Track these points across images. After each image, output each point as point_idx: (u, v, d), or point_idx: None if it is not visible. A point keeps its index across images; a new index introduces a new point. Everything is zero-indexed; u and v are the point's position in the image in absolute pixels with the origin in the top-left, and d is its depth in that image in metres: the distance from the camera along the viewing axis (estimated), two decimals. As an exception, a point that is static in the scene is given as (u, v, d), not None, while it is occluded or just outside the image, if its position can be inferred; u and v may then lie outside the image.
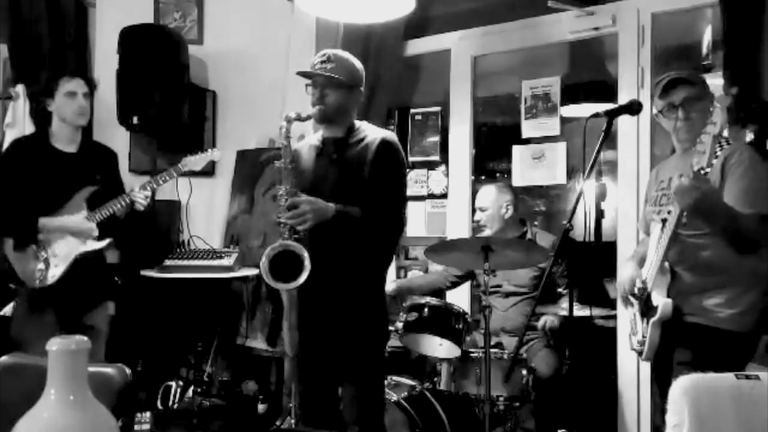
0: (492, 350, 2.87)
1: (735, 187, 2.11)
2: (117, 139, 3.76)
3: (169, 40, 3.84)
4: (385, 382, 2.93)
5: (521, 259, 2.91)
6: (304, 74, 2.44)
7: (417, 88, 4.34)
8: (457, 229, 3.89)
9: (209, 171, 3.99)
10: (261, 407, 3.79)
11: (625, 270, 2.41)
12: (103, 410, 1.06)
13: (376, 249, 2.43)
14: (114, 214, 2.96)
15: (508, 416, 2.95)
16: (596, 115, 2.22)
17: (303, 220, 2.25)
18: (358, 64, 2.50)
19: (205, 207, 4.22)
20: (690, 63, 3.52)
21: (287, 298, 2.32)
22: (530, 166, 3.77)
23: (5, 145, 3.90)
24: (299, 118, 2.38)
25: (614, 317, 3.28)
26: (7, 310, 3.45)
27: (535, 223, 4.22)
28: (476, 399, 2.98)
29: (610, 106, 2.34)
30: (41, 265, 2.92)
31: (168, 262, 3.67)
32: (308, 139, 2.61)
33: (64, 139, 3.04)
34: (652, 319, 2.16)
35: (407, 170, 2.54)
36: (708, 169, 1.98)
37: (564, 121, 3.66)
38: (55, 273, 2.92)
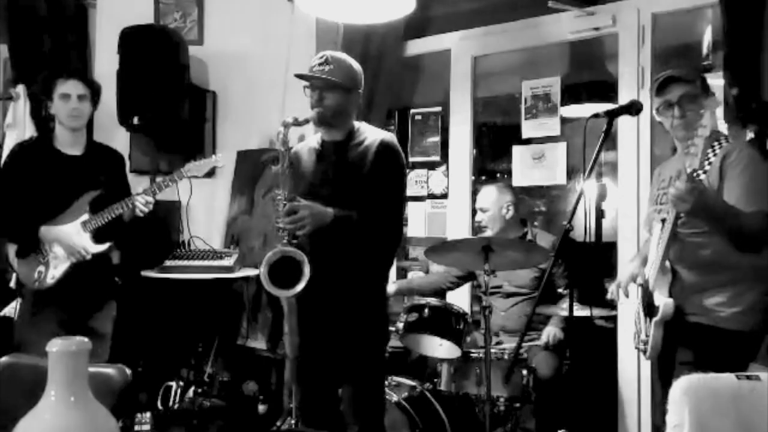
0: (492, 350, 2.87)
1: (735, 185, 2.11)
2: (117, 139, 3.76)
3: (169, 41, 3.84)
4: (386, 383, 2.93)
5: (521, 260, 2.91)
6: (302, 77, 2.44)
7: (417, 88, 4.34)
8: (458, 229, 3.89)
9: (210, 172, 3.98)
10: (261, 408, 3.79)
11: (627, 269, 2.41)
12: (103, 411, 1.06)
13: (376, 252, 2.43)
14: (117, 218, 2.95)
15: (508, 417, 2.95)
16: (596, 116, 2.23)
17: (301, 225, 2.25)
18: (357, 66, 2.50)
19: (206, 207, 4.22)
20: (690, 63, 3.52)
21: (287, 303, 2.31)
22: (530, 167, 3.77)
23: (5, 145, 3.92)
24: (297, 123, 2.37)
25: (614, 317, 3.28)
26: (8, 310, 3.46)
27: (535, 223, 4.22)
28: (477, 399, 2.98)
29: (610, 106, 2.34)
30: (41, 267, 2.92)
31: (168, 263, 3.67)
32: (308, 141, 2.61)
33: (67, 142, 3.03)
34: (654, 319, 2.16)
35: (407, 171, 2.54)
36: (700, 172, 1.99)
37: (564, 121, 3.66)
38: (54, 274, 2.92)
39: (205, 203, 4.20)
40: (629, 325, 2.49)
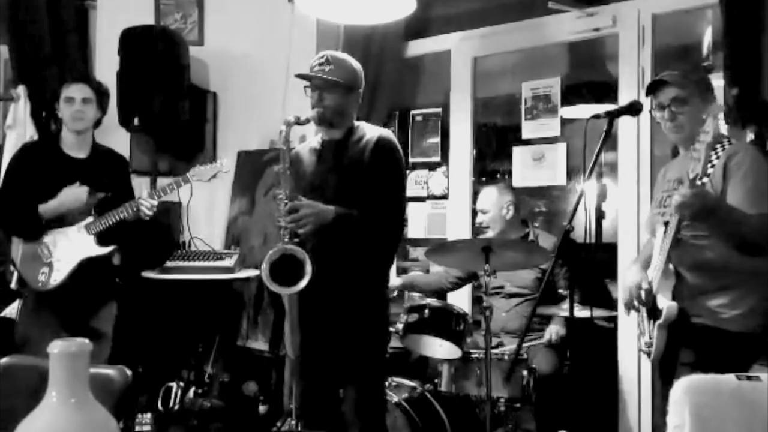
0: (493, 351, 2.87)
1: (739, 187, 2.11)
2: (117, 139, 3.75)
3: (169, 41, 3.84)
4: (386, 384, 2.93)
5: (522, 261, 2.91)
6: (302, 77, 2.45)
7: (417, 89, 4.35)
8: (458, 230, 3.89)
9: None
10: (262, 408, 3.79)
11: (629, 274, 2.40)
12: (104, 412, 1.06)
13: (378, 250, 2.44)
14: (121, 221, 2.95)
15: (508, 417, 2.95)
16: (597, 116, 2.23)
17: (303, 223, 2.25)
18: (357, 66, 2.50)
19: (206, 208, 4.22)
20: (687, 66, 3.51)
21: (288, 301, 2.32)
22: (530, 167, 3.77)
23: (6, 146, 3.92)
24: (298, 122, 2.38)
25: (615, 318, 3.28)
26: (8, 311, 3.46)
27: (536, 224, 4.22)
28: (477, 400, 2.98)
29: (610, 107, 2.35)
30: (45, 269, 2.92)
31: (169, 264, 3.67)
32: (309, 141, 2.62)
33: (72, 145, 3.05)
34: (658, 322, 2.15)
35: (406, 168, 2.54)
36: (705, 177, 1.99)
37: (564, 122, 3.66)
38: (57, 277, 2.93)
39: (205, 204, 4.20)
40: (630, 325, 2.50)
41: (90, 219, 2.97)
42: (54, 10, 4.12)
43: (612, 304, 3.30)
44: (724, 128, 2.74)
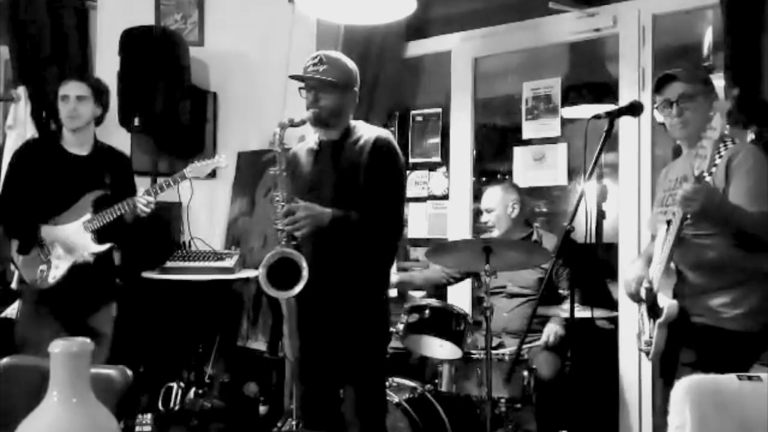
0: (493, 351, 2.87)
1: (741, 186, 2.11)
2: (118, 140, 3.75)
3: (170, 42, 3.84)
4: (387, 384, 2.93)
5: (522, 261, 2.90)
6: (297, 78, 2.43)
7: (418, 89, 4.35)
8: (458, 230, 3.89)
9: (210, 173, 3.98)
10: (262, 409, 3.79)
11: (632, 269, 2.41)
12: (104, 412, 1.06)
13: (376, 251, 2.43)
14: (119, 218, 2.95)
15: (509, 418, 2.95)
16: (597, 117, 2.23)
17: (299, 226, 2.25)
18: (352, 65, 2.49)
19: (206, 208, 4.22)
20: (693, 64, 3.52)
21: (286, 305, 2.31)
22: (531, 168, 3.77)
23: (6, 147, 3.92)
24: (293, 124, 2.36)
25: (616, 319, 3.28)
26: (9, 311, 3.46)
27: (536, 224, 4.22)
28: (478, 400, 2.98)
29: (611, 107, 2.34)
30: (43, 266, 2.93)
31: (169, 264, 3.67)
32: (307, 141, 2.60)
33: (73, 142, 3.05)
34: (658, 321, 2.15)
35: (404, 167, 2.52)
36: (708, 174, 1.98)
37: (565, 122, 3.66)
38: (55, 274, 2.93)
39: (205, 204, 4.20)
40: (631, 326, 2.49)
41: (88, 216, 2.96)
42: (54, 11, 4.12)
43: (613, 305, 3.31)
44: (725, 128, 2.74)
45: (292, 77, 2.45)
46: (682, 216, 2.08)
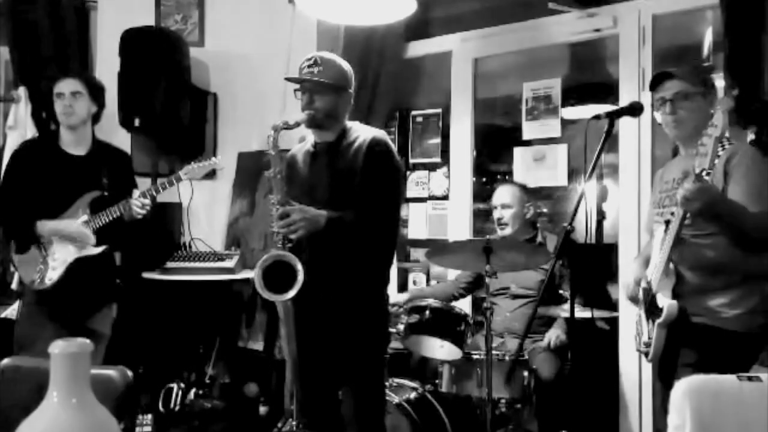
0: (493, 352, 2.87)
1: (739, 186, 2.11)
2: (118, 140, 3.75)
3: (170, 43, 3.85)
4: (387, 384, 2.93)
5: (523, 261, 2.90)
6: (292, 80, 2.42)
7: (418, 90, 4.35)
8: (459, 230, 3.89)
9: (210, 174, 3.98)
10: (262, 409, 3.79)
11: (630, 270, 2.41)
12: (105, 412, 1.06)
13: (373, 252, 2.42)
14: (117, 219, 2.94)
15: (509, 418, 2.95)
16: (597, 117, 2.23)
17: (294, 228, 2.24)
18: (347, 66, 2.48)
19: (207, 209, 4.22)
20: (691, 64, 3.51)
21: (283, 309, 2.30)
22: (531, 168, 3.77)
23: (7, 147, 3.92)
24: (287, 126, 2.35)
25: (616, 319, 3.27)
26: (9, 312, 3.46)
27: (538, 225, 4.22)
28: (478, 401, 2.98)
29: (611, 107, 2.34)
30: (41, 267, 2.92)
31: (169, 264, 3.68)
32: (305, 142, 2.59)
33: (70, 141, 3.04)
34: (658, 321, 2.15)
35: (401, 168, 2.51)
36: (710, 171, 1.98)
37: (565, 122, 3.66)
38: (52, 276, 2.92)
39: (206, 205, 4.20)
40: (631, 327, 2.49)
41: (85, 217, 2.95)
42: (55, 12, 4.12)
43: (612, 306, 3.31)
44: (727, 126, 2.74)
45: (288, 79, 2.44)
46: (681, 216, 2.08)
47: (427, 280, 4.19)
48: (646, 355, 2.25)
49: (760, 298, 2.15)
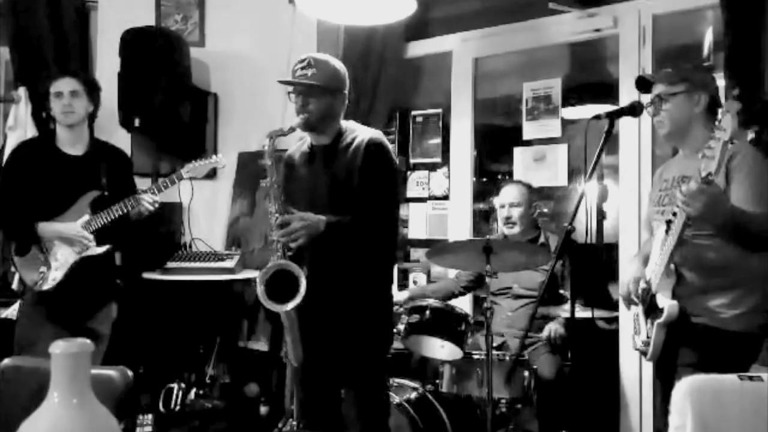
0: (494, 352, 2.87)
1: (741, 187, 2.10)
2: (118, 141, 3.75)
3: (170, 43, 3.84)
4: (388, 385, 2.92)
5: (523, 261, 2.90)
6: (285, 83, 2.40)
7: (418, 90, 4.35)
8: (459, 230, 3.89)
9: (211, 173, 3.99)
10: (263, 409, 3.79)
11: (629, 269, 2.40)
12: (105, 413, 1.06)
13: (373, 254, 2.41)
14: (120, 217, 2.93)
15: (510, 418, 2.95)
16: (597, 117, 2.23)
17: (295, 237, 2.23)
18: (341, 67, 2.45)
19: (207, 209, 4.22)
20: (691, 64, 3.51)
21: (286, 316, 2.29)
22: (531, 168, 3.77)
23: (7, 148, 3.92)
24: (282, 133, 2.33)
25: (616, 319, 3.27)
26: (9, 312, 3.46)
27: (539, 225, 4.22)
28: (478, 401, 2.98)
29: (611, 107, 2.34)
30: (43, 268, 2.92)
31: (170, 264, 3.67)
32: (303, 142, 2.57)
33: (68, 141, 3.03)
34: (658, 321, 2.15)
35: (397, 167, 2.50)
36: (714, 174, 1.97)
37: (565, 122, 3.66)
38: (55, 276, 2.91)
39: (206, 205, 4.20)
40: (631, 326, 2.49)
41: (86, 217, 2.94)
42: (55, 12, 4.12)
43: (612, 306, 3.31)
44: (735, 129, 2.73)
45: (281, 82, 2.41)
46: (685, 216, 2.07)
47: (428, 280, 4.19)
48: (644, 354, 2.25)
49: (760, 298, 2.15)
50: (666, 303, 2.14)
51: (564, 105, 3.68)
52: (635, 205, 3.26)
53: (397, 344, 3.05)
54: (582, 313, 2.86)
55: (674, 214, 2.11)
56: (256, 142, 4.14)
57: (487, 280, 2.71)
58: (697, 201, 1.96)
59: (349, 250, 2.34)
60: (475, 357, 2.96)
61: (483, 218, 4.32)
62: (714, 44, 3.32)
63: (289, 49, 3.99)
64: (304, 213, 2.27)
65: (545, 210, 4.36)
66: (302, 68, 2.35)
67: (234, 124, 4.29)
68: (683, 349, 2.17)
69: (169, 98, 3.78)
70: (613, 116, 2.22)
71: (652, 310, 2.21)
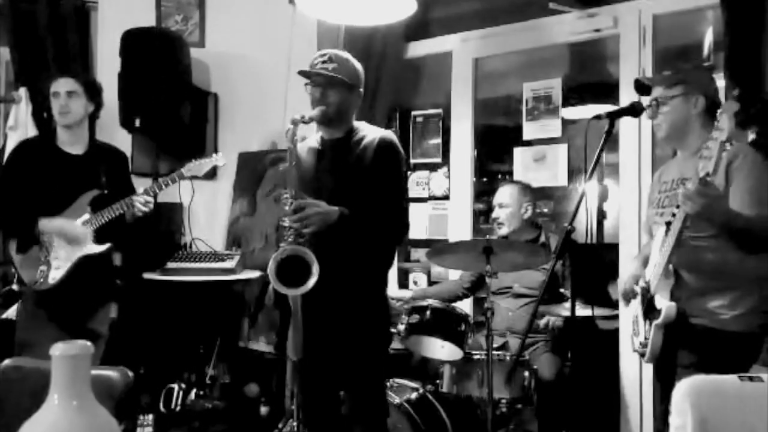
0: (495, 352, 2.86)
1: (740, 188, 2.11)
2: (118, 141, 3.75)
3: (170, 43, 3.85)
4: (387, 385, 2.92)
5: (523, 261, 2.90)
6: (305, 74, 2.41)
7: (418, 90, 4.35)
8: (459, 230, 3.89)
9: (211, 173, 3.99)
10: (263, 410, 3.79)
11: (629, 267, 2.40)
12: (105, 414, 1.06)
13: (381, 251, 2.43)
14: (119, 217, 2.94)
15: (510, 418, 2.95)
16: (598, 117, 2.23)
17: (308, 223, 2.23)
18: (359, 66, 2.49)
19: (207, 209, 4.22)
20: (690, 65, 3.51)
21: (293, 301, 2.30)
22: (532, 168, 3.77)
23: (7, 148, 3.92)
24: (304, 121, 2.34)
25: (617, 318, 3.27)
26: (9, 313, 3.46)
27: (540, 225, 4.22)
28: (479, 401, 2.98)
29: (611, 107, 2.35)
30: (43, 267, 2.92)
31: (170, 265, 3.67)
32: (307, 141, 2.58)
33: (67, 141, 3.04)
34: (656, 322, 2.15)
35: (407, 169, 2.53)
36: (709, 175, 1.98)
37: (565, 122, 3.66)
38: (55, 275, 2.91)
39: (206, 205, 4.20)
40: (630, 325, 2.49)
41: (86, 216, 2.94)
42: (55, 12, 4.12)
43: (613, 306, 3.30)
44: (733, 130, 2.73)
45: (301, 73, 2.42)
46: (683, 218, 2.07)
47: (428, 280, 4.19)
48: (643, 355, 2.25)
49: (759, 298, 2.15)
50: (664, 304, 2.14)
51: (564, 105, 3.68)
52: (635, 205, 3.26)
53: (397, 344, 3.05)
54: (582, 311, 2.86)
55: (673, 215, 2.11)
56: (256, 141, 4.19)
57: (487, 280, 2.71)
58: (695, 201, 1.96)
59: (356, 245, 2.34)
60: (476, 357, 2.96)
61: (483, 218, 4.31)
62: (714, 44, 3.31)
63: (289, 50, 4.00)
64: (319, 200, 2.27)
65: (545, 210, 4.36)
66: (323, 62, 2.38)
67: (234, 124, 4.29)
68: (682, 350, 2.17)
69: (170, 98, 3.78)
70: (613, 116, 2.23)
71: (650, 311, 2.21)
